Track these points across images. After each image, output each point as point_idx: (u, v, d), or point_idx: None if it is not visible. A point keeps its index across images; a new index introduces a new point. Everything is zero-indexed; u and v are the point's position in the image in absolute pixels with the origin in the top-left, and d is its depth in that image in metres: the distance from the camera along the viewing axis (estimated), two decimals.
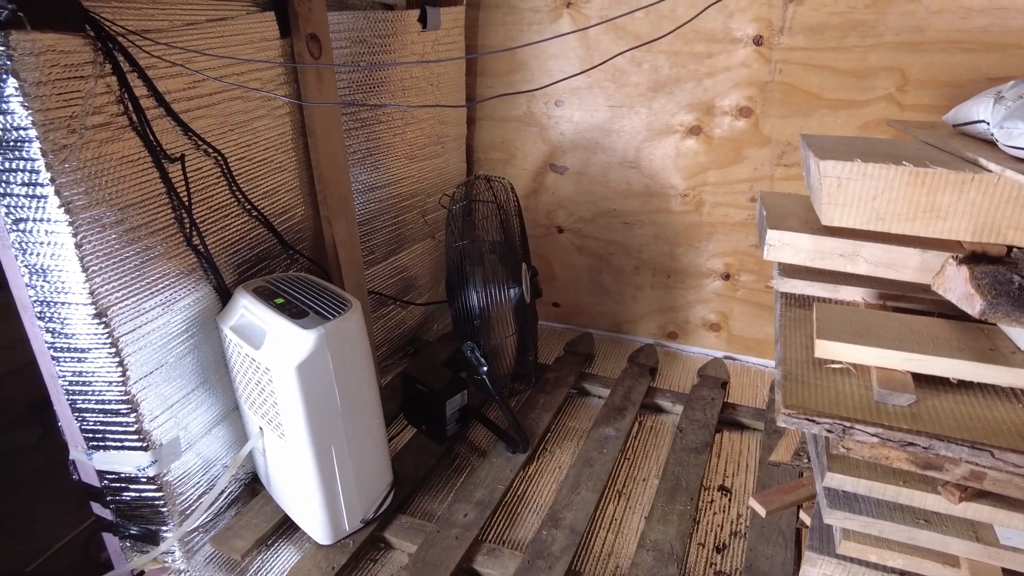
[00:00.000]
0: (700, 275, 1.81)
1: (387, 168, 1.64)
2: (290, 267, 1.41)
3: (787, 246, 1.03)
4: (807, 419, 0.81)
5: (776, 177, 1.64)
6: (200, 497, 1.22)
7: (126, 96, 0.99)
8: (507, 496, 1.37)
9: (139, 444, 1.10)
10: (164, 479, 1.15)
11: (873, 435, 0.78)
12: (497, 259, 1.34)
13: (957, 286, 0.85)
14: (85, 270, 0.95)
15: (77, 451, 1.14)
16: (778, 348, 1.00)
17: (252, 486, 1.37)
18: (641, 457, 1.51)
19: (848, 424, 0.79)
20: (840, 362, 0.90)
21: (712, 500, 1.38)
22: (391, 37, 1.54)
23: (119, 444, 1.11)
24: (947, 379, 0.84)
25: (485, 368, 1.32)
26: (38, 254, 0.94)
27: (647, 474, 1.45)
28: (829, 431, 0.80)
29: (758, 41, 1.55)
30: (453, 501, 1.32)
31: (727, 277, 1.78)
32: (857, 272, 1.00)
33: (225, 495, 1.30)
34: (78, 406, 1.07)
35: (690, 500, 1.34)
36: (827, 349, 0.89)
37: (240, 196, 1.23)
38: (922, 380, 0.84)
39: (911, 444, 0.76)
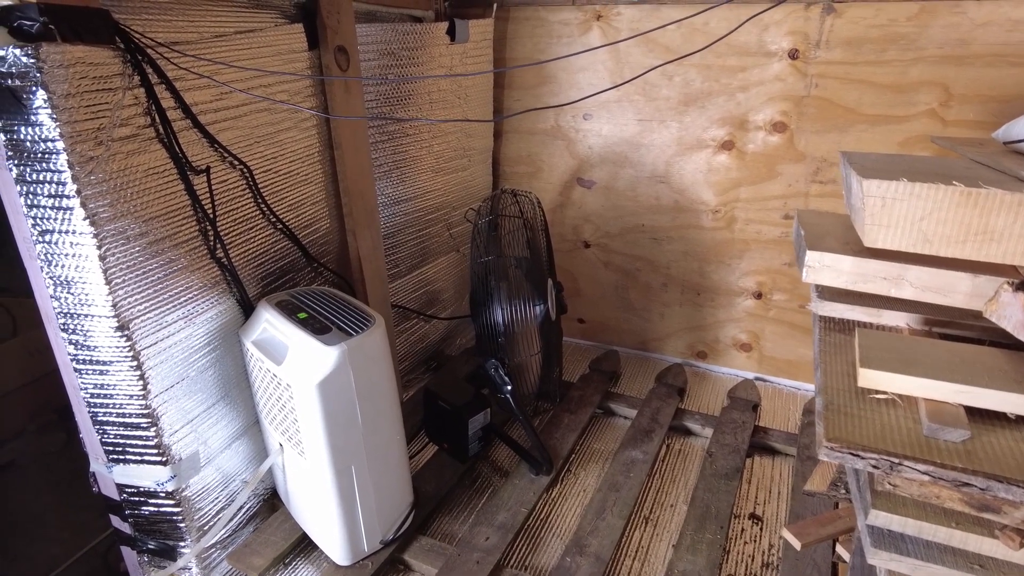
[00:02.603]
0: (731, 293, 1.76)
1: (413, 181, 1.62)
2: (314, 280, 1.40)
3: (827, 268, 0.99)
4: (851, 453, 0.76)
5: (811, 194, 1.59)
6: (219, 513, 1.21)
7: (153, 108, 0.98)
8: (530, 519, 1.33)
9: (158, 458, 1.09)
10: (183, 494, 1.13)
11: (924, 473, 0.73)
12: (523, 275, 1.31)
13: (1013, 313, 0.80)
14: (108, 282, 0.94)
15: (97, 463, 1.13)
16: (818, 375, 0.95)
17: (271, 501, 1.35)
18: (669, 482, 1.46)
19: (896, 460, 0.74)
20: (885, 392, 0.85)
21: (743, 529, 1.33)
22: (419, 50, 1.53)
23: (139, 458, 1.09)
24: (1003, 414, 0.79)
25: (509, 387, 1.28)
26: (63, 266, 0.94)
27: (675, 500, 1.40)
28: (875, 467, 0.76)
29: (793, 55, 1.50)
30: (475, 523, 1.28)
31: (759, 296, 1.73)
32: (902, 296, 0.95)
33: (244, 511, 1.28)
34: (99, 418, 1.07)
35: (720, 528, 1.28)
36: (871, 378, 0.84)
37: (265, 209, 1.22)
38: (975, 414, 0.79)
39: (966, 484, 0.71)
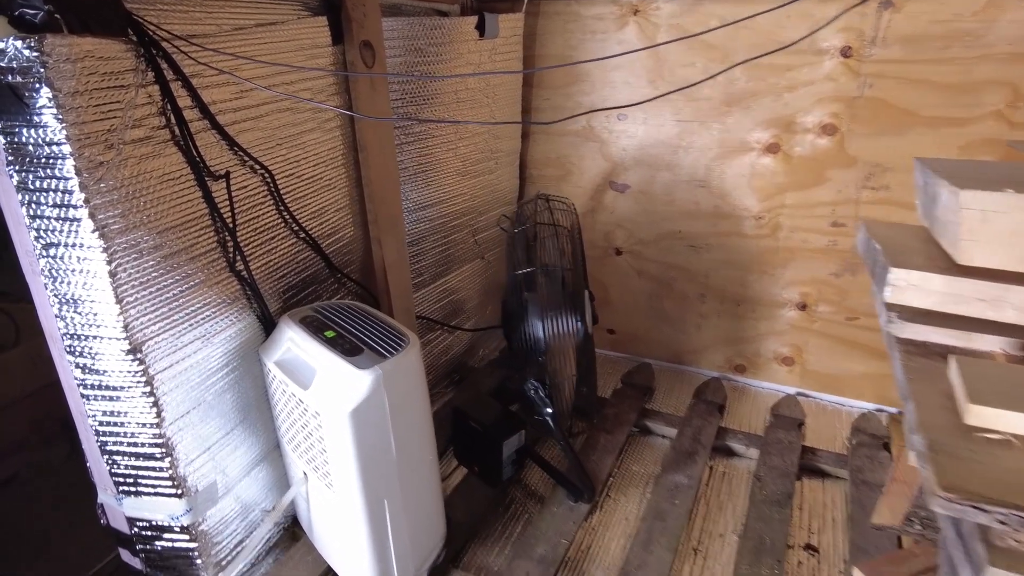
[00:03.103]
0: (773, 304, 1.66)
1: (438, 185, 1.53)
2: (337, 292, 1.30)
3: (914, 287, 0.89)
4: (973, 506, 0.67)
5: (862, 201, 1.49)
6: (238, 546, 1.11)
7: (168, 107, 0.89)
8: (570, 551, 1.24)
9: (173, 491, 0.99)
10: (199, 528, 1.04)
11: None
12: (562, 288, 1.22)
13: None
14: (119, 301, 0.85)
15: (106, 495, 1.04)
16: (910, 408, 0.85)
17: (292, 530, 1.26)
18: (716, 508, 1.36)
19: None
20: (1000, 432, 0.75)
21: (800, 562, 1.23)
22: (446, 46, 1.43)
23: (152, 490, 1.00)
24: None
25: (550, 410, 1.19)
26: (69, 282, 0.84)
27: (724, 529, 1.31)
28: (1003, 522, 0.66)
29: (846, 53, 1.41)
30: (512, 556, 1.19)
31: (803, 307, 1.64)
32: (1002, 320, 0.86)
33: (264, 541, 1.18)
34: (108, 448, 0.97)
35: (777, 562, 1.19)
36: (982, 416, 0.74)
37: (288, 216, 1.13)
38: None
39: None
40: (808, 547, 1.27)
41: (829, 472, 1.46)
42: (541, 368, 1.20)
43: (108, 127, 0.80)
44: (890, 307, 1.00)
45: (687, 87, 1.46)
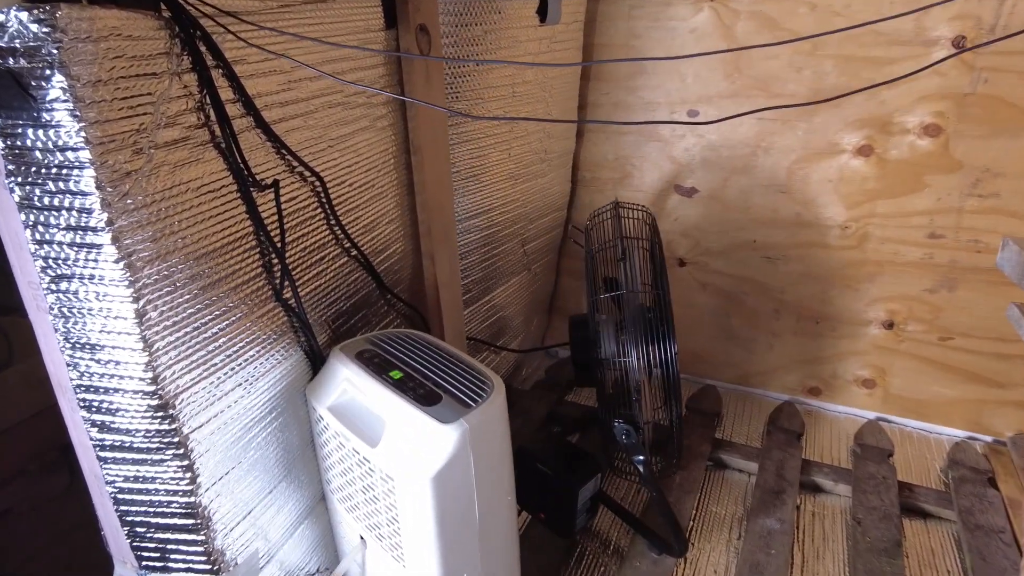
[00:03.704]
0: (856, 322, 1.50)
1: (490, 191, 1.36)
2: (387, 315, 1.13)
3: None
4: None
5: (966, 210, 1.34)
6: None
7: (208, 101, 0.71)
8: None
9: (209, 567, 0.82)
10: None
11: None
12: (653, 315, 1.05)
13: None
14: (148, 347, 0.67)
15: (125, 568, 0.86)
16: None
17: None
18: (814, 558, 1.20)
19: None
20: None
21: None
22: (503, 32, 1.26)
23: (184, 566, 0.82)
24: None
25: (642, 458, 1.02)
26: (84, 324, 0.66)
27: None
28: None
29: (959, 44, 1.24)
30: None
31: (890, 326, 1.48)
32: None
33: None
34: (130, 519, 0.79)
35: None
36: None
37: (340, 232, 0.95)
38: None
39: None
40: None
41: (932, 513, 1.30)
42: (635, 407, 1.03)
43: (137, 126, 0.63)
44: None
45: (789, 105, 1.29)
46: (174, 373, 0.71)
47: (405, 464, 0.77)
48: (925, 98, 1.29)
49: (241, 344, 0.80)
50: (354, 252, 0.99)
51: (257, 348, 0.82)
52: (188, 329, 0.72)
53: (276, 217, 0.82)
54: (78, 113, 0.57)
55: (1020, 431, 1.45)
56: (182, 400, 0.73)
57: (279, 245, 0.82)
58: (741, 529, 1.26)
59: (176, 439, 0.73)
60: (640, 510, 1.27)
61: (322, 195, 0.90)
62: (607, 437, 1.09)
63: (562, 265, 1.76)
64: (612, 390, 1.07)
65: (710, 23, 1.39)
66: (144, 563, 0.83)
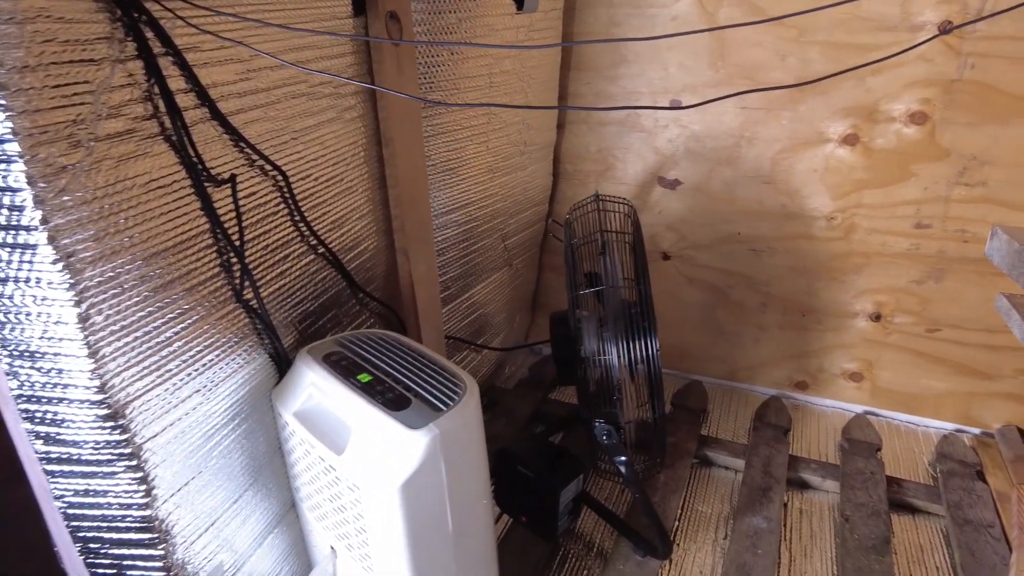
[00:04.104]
0: (843, 315, 1.48)
1: (468, 185, 1.32)
2: (359, 315, 1.09)
3: None
4: None
5: (953, 199, 1.31)
6: None
7: (156, 91, 0.67)
8: None
9: None
10: None
11: None
12: (634, 312, 1.02)
13: None
14: (93, 354, 0.63)
15: None
16: None
17: None
18: (802, 557, 1.18)
19: None
20: None
21: None
22: (478, 20, 1.21)
23: None
24: None
25: (623, 458, 0.99)
26: (23, 330, 0.62)
27: None
28: None
29: (945, 28, 1.22)
30: None
31: (877, 318, 1.45)
32: None
33: None
34: (82, 535, 0.75)
35: None
36: None
37: (305, 229, 0.91)
38: None
39: None
40: None
41: (920, 508, 1.29)
42: (616, 406, 1.00)
43: (74, 117, 0.58)
44: None
45: (767, 88, 1.26)
46: (123, 380, 0.67)
47: (372, 472, 0.73)
48: (911, 85, 1.27)
49: (199, 348, 0.76)
50: (321, 249, 0.94)
51: (217, 352, 0.78)
52: (138, 334, 0.68)
53: (234, 214, 0.78)
54: (4, 102, 0.53)
55: (1008, 423, 1.43)
56: (133, 409, 0.68)
57: (237, 243, 0.78)
58: (728, 528, 1.23)
59: (128, 450, 0.69)
60: (624, 511, 1.24)
61: (285, 190, 0.86)
62: (589, 437, 1.05)
63: (545, 261, 1.72)
64: (593, 389, 1.04)
65: (692, 10, 1.35)
66: None
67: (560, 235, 1.18)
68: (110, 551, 0.76)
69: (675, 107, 1.25)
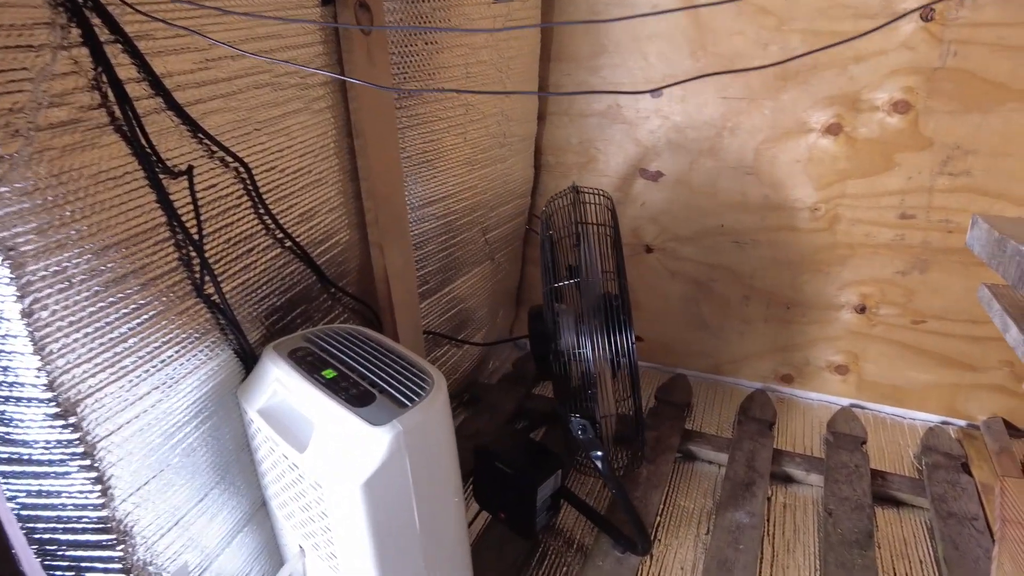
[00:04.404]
0: (828, 307, 1.46)
1: (445, 177, 1.30)
2: (332, 310, 1.07)
3: None
4: None
5: (936, 188, 1.30)
6: None
7: (104, 79, 0.64)
8: None
9: None
10: None
11: None
12: (611, 305, 1.00)
13: None
14: (40, 351, 0.61)
15: None
16: None
17: None
18: (785, 552, 1.16)
19: None
20: None
21: None
22: (454, 10, 1.19)
23: None
24: None
25: (600, 453, 0.98)
26: None
27: None
28: None
29: (927, 16, 1.20)
30: None
31: (862, 310, 1.44)
32: None
33: None
34: (37, 536, 0.73)
35: None
36: None
37: (270, 221, 0.89)
38: None
39: None
40: None
41: (905, 501, 1.27)
42: (590, 401, 0.98)
43: (10, 105, 0.56)
44: None
45: (742, 70, 1.24)
46: (74, 378, 0.65)
47: (334, 470, 0.71)
48: (894, 73, 1.25)
49: (157, 344, 0.74)
50: (288, 243, 0.92)
51: (176, 348, 0.76)
52: (89, 329, 0.66)
53: (193, 206, 0.76)
54: None
55: (994, 415, 1.42)
56: (85, 407, 0.66)
57: (196, 237, 0.76)
58: (710, 523, 1.22)
59: (81, 449, 0.67)
60: (605, 507, 1.23)
61: (248, 182, 0.84)
62: (566, 432, 1.04)
63: (528, 254, 1.70)
64: (569, 383, 1.02)
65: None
66: None
67: (536, 227, 1.16)
68: (67, 553, 0.74)
69: (634, 92, 1.23)
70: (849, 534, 1.16)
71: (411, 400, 0.75)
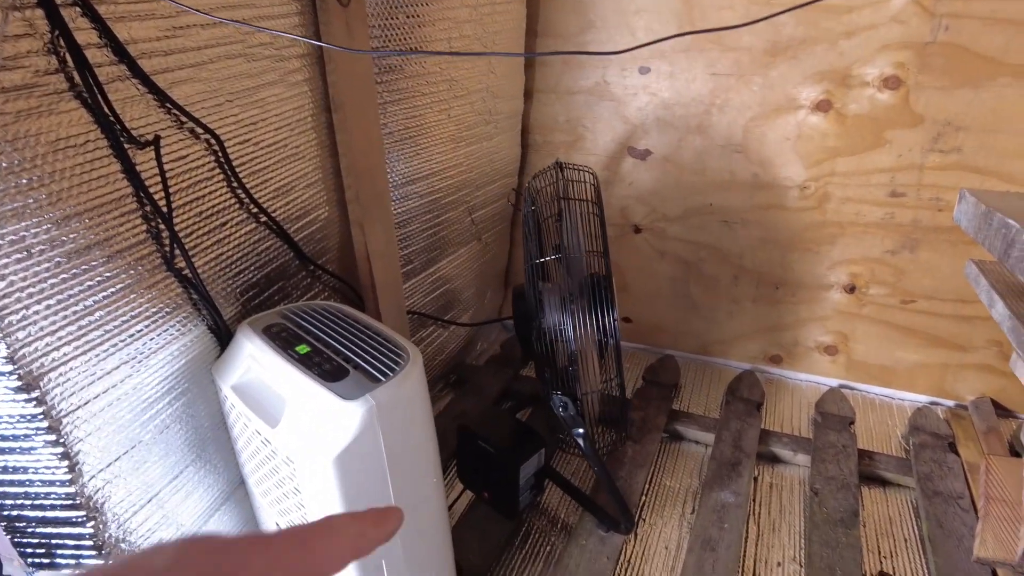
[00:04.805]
0: (817, 287, 1.45)
1: (429, 155, 1.28)
2: (311, 288, 1.05)
3: None
4: None
5: (927, 166, 1.28)
6: None
7: (61, 43, 0.63)
8: None
9: (102, 561, 0.75)
10: None
11: None
12: (593, 282, 0.99)
13: None
14: None
15: (13, 567, 0.79)
16: None
17: None
18: (770, 531, 1.16)
19: None
20: None
21: None
22: None
23: (73, 561, 0.76)
24: None
25: (582, 430, 0.97)
26: None
27: (782, 556, 1.11)
28: None
29: None
30: None
31: (852, 290, 1.43)
32: None
33: None
34: (6, 513, 0.72)
35: None
36: None
37: (243, 195, 0.87)
38: None
39: None
40: (882, 575, 1.08)
41: (891, 480, 1.27)
42: (572, 379, 0.97)
43: None
44: None
45: (717, 29, 1.22)
46: (36, 351, 0.63)
47: (306, 445, 0.70)
48: (885, 48, 1.23)
49: (125, 318, 0.72)
50: (263, 218, 0.91)
51: (146, 322, 0.75)
52: (51, 302, 0.64)
53: (160, 177, 0.74)
54: None
55: (982, 395, 1.41)
56: (49, 380, 0.65)
57: (166, 209, 0.74)
58: (695, 503, 1.21)
59: (45, 423, 0.66)
60: (590, 486, 1.22)
61: (219, 153, 0.82)
62: (548, 411, 1.03)
63: (516, 236, 1.69)
64: (550, 361, 1.01)
65: None
66: (30, 560, 0.77)
67: (514, 201, 1.14)
68: (36, 530, 0.73)
69: (609, 52, 1.21)
70: (834, 513, 1.16)
71: (385, 375, 0.74)
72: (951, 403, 1.45)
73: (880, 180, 1.32)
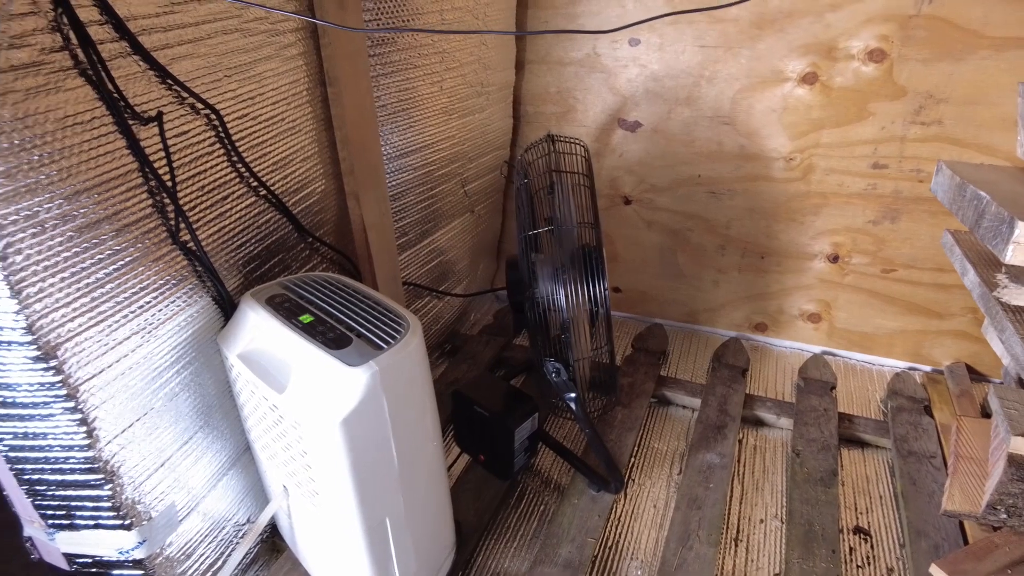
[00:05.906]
0: (801, 256, 1.49)
1: (422, 127, 1.29)
2: (310, 259, 1.08)
3: None
4: None
5: (909, 138, 1.31)
6: (208, 570, 0.93)
7: (65, 21, 0.64)
8: (599, 551, 1.08)
9: (120, 522, 0.79)
10: (157, 561, 0.84)
11: None
12: (584, 251, 1.02)
13: None
14: (17, 293, 0.62)
15: (33, 528, 0.83)
16: None
17: (272, 540, 1.08)
18: (753, 490, 1.22)
19: None
20: None
21: (851, 548, 1.10)
22: None
23: (92, 523, 0.80)
24: None
25: (573, 395, 1.01)
26: None
27: (764, 513, 1.17)
28: None
29: None
30: (534, 562, 1.03)
31: (835, 259, 1.47)
32: None
33: (238, 565, 1.00)
34: (27, 477, 0.76)
35: (831, 552, 1.05)
36: None
37: (243, 169, 0.89)
38: None
39: None
40: (858, 530, 1.14)
41: (869, 441, 1.33)
42: (563, 346, 1.01)
43: None
44: (1007, 269, 0.83)
45: (699, 10, 1.23)
46: (52, 322, 0.66)
47: (313, 410, 0.74)
48: (870, 21, 1.25)
49: (134, 290, 0.75)
50: (263, 191, 0.93)
51: (154, 294, 0.77)
52: (65, 274, 0.67)
53: (164, 153, 0.76)
54: None
55: (957, 360, 1.47)
56: (66, 350, 0.68)
57: (170, 183, 0.76)
58: (682, 464, 1.27)
59: (64, 391, 0.69)
60: (581, 449, 1.27)
61: (219, 129, 0.84)
62: (540, 377, 1.07)
63: (509, 207, 1.71)
64: (543, 329, 1.05)
65: None
66: (51, 522, 0.80)
67: (506, 173, 1.16)
68: (56, 493, 0.77)
69: (598, 31, 1.22)
70: (815, 472, 1.21)
71: (387, 343, 0.77)
72: (928, 368, 1.51)
73: (863, 152, 1.35)
